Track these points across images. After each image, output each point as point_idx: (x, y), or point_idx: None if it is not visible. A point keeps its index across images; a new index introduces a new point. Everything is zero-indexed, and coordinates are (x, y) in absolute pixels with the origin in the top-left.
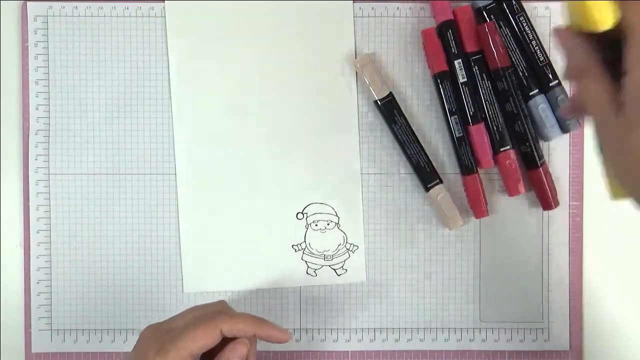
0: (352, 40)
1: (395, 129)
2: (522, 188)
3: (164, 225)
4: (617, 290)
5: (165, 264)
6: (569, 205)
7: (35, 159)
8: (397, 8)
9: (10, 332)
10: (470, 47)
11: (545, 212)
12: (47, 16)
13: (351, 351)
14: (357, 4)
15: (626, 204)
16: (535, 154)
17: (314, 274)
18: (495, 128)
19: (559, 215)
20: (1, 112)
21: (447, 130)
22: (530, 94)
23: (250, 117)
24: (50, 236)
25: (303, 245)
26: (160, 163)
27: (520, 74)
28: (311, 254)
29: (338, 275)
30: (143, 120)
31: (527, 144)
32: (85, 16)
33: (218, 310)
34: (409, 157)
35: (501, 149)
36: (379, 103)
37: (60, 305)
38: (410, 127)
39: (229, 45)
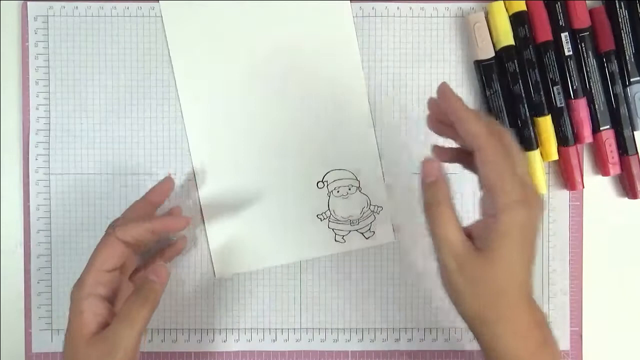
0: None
1: (489, 93)
2: (618, 169)
3: None
4: (617, 290)
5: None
6: (569, 205)
7: (36, 159)
8: (398, 8)
9: (10, 332)
10: (577, 23)
11: (546, 212)
12: (48, 16)
13: (351, 351)
14: (358, 4)
15: (628, 206)
16: (634, 140)
17: (342, 240)
18: (597, 106)
19: (559, 216)
20: (1, 112)
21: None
22: (632, 79)
23: (261, 98)
24: (50, 236)
25: (328, 214)
26: (161, 162)
27: (628, 58)
28: (337, 221)
29: (366, 238)
30: (144, 120)
31: (630, 128)
32: (86, 16)
33: (116, 225)
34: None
35: (601, 128)
36: (481, 64)
37: (61, 305)
38: (501, 95)
39: (230, 38)
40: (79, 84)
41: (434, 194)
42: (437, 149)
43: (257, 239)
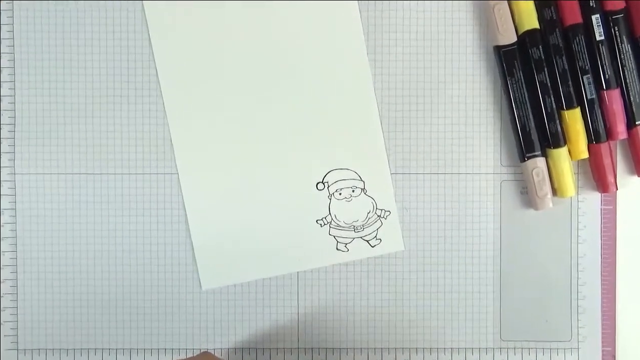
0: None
1: (511, 83)
2: None
3: (142, 230)
4: None
5: (154, 268)
6: (601, 210)
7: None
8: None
9: None
10: (610, 5)
11: (575, 217)
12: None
13: None
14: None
15: None
16: None
17: (345, 249)
18: (632, 98)
19: (589, 222)
20: None
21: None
22: None
23: (253, 90)
24: (16, 244)
25: (328, 219)
26: (140, 162)
27: None
28: (339, 227)
29: (372, 246)
30: (120, 113)
31: None
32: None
33: None
34: (515, 118)
35: (637, 122)
36: (501, 50)
37: (28, 322)
38: (524, 85)
39: (221, 30)
40: (48, 71)
41: None
42: None
43: (248, 247)
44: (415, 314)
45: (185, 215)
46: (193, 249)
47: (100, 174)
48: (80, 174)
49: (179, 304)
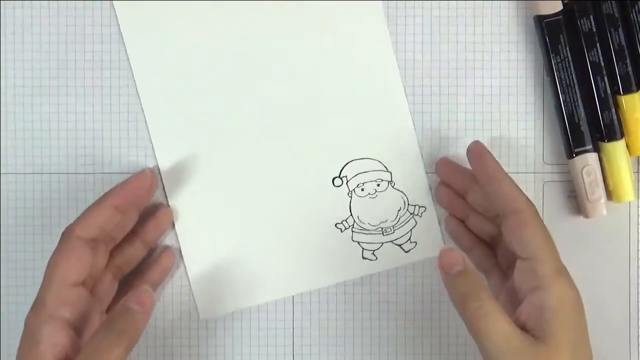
0: None
1: (556, 62)
2: None
3: None
4: None
5: None
6: None
7: None
8: None
9: None
10: None
11: (635, 227)
12: None
13: None
14: None
15: None
16: None
17: (373, 257)
18: None
19: None
20: None
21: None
22: None
23: (252, 79)
24: None
25: (350, 221)
26: (125, 157)
27: None
28: (364, 231)
29: (406, 252)
30: (102, 112)
31: None
32: None
33: (67, 233)
34: (561, 106)
35: None
36: (544, 22)
37: (12, 336)
38: (572, 64)
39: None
40: (31, 65)
41: (467, 286)
42: (453, 230)
43: (253, 265)
44: (463, 345)
45: (175, 232)
46: (186, 271)
47: (85, 173)
48: (57, 173)
49: (172, 334)
